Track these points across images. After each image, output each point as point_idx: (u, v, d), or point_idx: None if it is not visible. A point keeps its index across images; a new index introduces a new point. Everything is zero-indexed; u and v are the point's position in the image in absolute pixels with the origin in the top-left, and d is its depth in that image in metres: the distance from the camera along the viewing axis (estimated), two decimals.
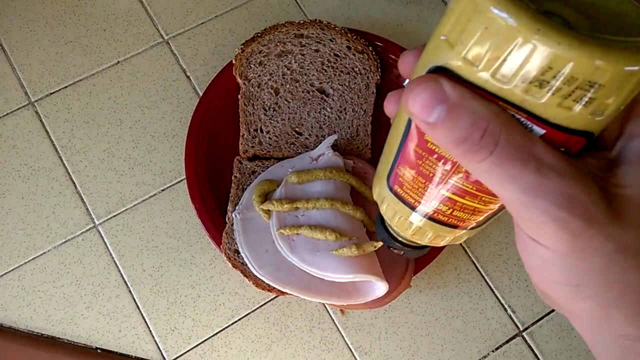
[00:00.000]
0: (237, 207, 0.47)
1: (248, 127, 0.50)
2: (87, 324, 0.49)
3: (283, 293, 0.44)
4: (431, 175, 0.22)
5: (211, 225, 0.48)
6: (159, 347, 0.48)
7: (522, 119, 0.18)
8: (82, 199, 0.52)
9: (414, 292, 0.49)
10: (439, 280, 0.49)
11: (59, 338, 0.48)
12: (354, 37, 0.52)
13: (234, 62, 0.52)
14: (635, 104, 0.19)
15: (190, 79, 0.57)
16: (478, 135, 0.17)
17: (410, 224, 0.25)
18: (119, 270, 0.50)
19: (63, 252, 0.50)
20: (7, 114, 0.55)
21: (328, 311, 0.49)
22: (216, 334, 0.48)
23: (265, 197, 0.47)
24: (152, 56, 0.57)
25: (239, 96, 0.51)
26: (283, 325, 0.48)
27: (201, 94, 0.52)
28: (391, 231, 0.29)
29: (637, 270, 0.18)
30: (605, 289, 0.19)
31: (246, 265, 0.45)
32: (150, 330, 0.48)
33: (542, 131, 0.18)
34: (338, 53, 0.52)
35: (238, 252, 0.45)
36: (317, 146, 0.49)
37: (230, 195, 0.48)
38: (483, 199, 0.22)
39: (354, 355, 0.47)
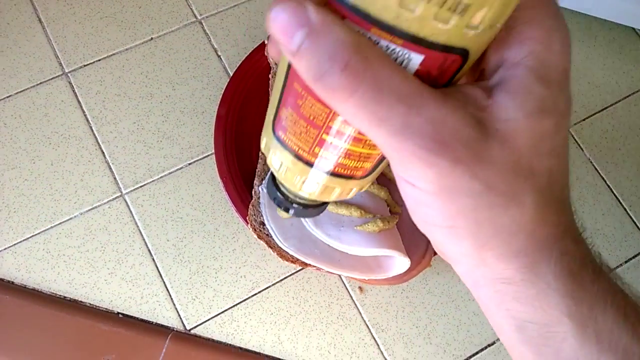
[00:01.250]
0: (263, 182, 0.48)
1: None
2: (110, 289, 0.50)
3: (306, 265, 0.45)
4: (312, 117, 0.20)
5: (237, 198, 0.49)
6: (179, 315, 0.49)
7: (398, 49, 0.16)
8: (110, 168, 0.54)
9: (431, 274, 0.50)
10: None
11: (81, 302, 0.49)
12: None
13: (266, 42, 0.53)
14: (513, 30, 0.18)
15: (221, 58, 0.58)
16: (338, 68, 0.15)
17: (297, 175, 0.23)
18: (144, 239, 0.51)
19: (89, 219, 0.52)
20: (41, 82, 0.56)
21: (347, 288, 0.50)
22: (236, 304, 0.49)
23: None
24: (185, 34, 0.59)
25: (270, 75, 0.52)
26: (302, 300, 0.49)
27: (232, 73, 0.53)
28: (281, 187, 0.26)
29: (505, 210, 0.18)
30: (477, 229, 0.18)
31: (271, 237, 0.46)
32: (171, 298, 0.50)
33: (420, 58, 0.17)
34: None
35: (263, 224, 0.46)
36: None
37: (257, 170, 0.49)
38: (367, 142, 0.20)
39: (370, 332, 0.48)
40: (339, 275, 0.50)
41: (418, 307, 0.49)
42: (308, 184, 0.23)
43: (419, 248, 0.46)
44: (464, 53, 0.17)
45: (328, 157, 0.21)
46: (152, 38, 0.59)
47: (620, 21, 0.57)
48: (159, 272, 0.50)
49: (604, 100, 0.57)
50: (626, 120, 0.56)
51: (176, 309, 0.49)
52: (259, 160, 0.50)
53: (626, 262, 0.51)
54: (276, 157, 0.23)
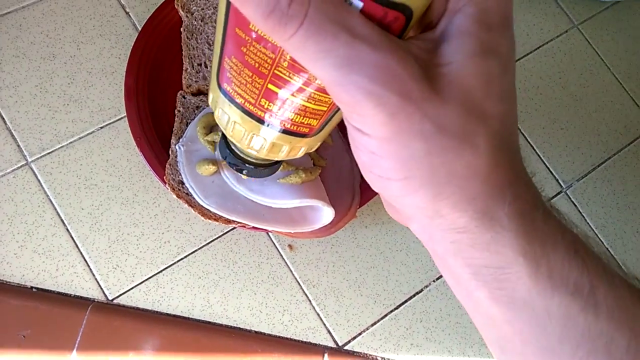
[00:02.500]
0: (180, 140, 0.46)
1: (191, 61, 0.49)
2: (21, 263, 0.46)
3: (230, 222, 0.43)
4: (257, 65, 0.19)
5: (154, 160, 0.46)
6: (100, 285, 0.47)
7: None
8: (12, 135, 0.49)
9: (359, 227, 0.50)
10: (383, 216, 0.51)
11: None
12: None
13: None
14: None
15: (129, 15, 0.54)
16: (285, 3, 0.15)
17: (243, 130, 0.22)
18: (55, 209, 0.48)
19: None
20: None
21: (276, 247, 0.49)
22: (161, 271, 0.47)
23: (210, 129, 0.46)
24: None
25: (182, 29, 0.49)
26: (231, 262, 0.48)
27: (140, 28, 0.50)
28: (232, 146, 0.26)
29: (459, 153, 0.17)
30: (430, 176, 0.18)
31: (191, 195, 0.44)
32: (90, 269, 0.47)
33: (360, 4, 0.16)
34: None
35: (182, 183, 0.44)
36: None
37: (174, 128, 0.47)
38: (313, 95, 0.20)
39: (302, 288, 0.48)
40: (268, 235, 0.49)
41: (348, 261, 0.49)
42: (256, 140, 0.22)
43: (344, 200, 0.46)
44: (405, 10, 0.17)
45: (275, 111, 0.20)
46: None
47: None
48: (74, 242, 0.47)
49: (516, 52, 0.59)
50: (537, 71, 0.59)
51: (96, 279, 0.47)
52: (175, 119, 0.47)
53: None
54: (224, 112, 0.22)
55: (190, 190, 0.44)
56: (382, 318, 0.48)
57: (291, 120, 0.21)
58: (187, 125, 0.47)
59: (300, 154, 0.23)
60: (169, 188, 0.44)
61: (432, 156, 0.17)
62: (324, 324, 0.47)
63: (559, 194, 0.54)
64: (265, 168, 0.26)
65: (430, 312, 0.48)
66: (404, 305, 0.49)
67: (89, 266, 0.47)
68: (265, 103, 0.20)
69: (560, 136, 0.56)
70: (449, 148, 0.17)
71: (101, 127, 0.50)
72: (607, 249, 0.53)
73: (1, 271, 0.46)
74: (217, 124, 0.46)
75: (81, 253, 0.47)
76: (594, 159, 0.56)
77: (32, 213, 0.48)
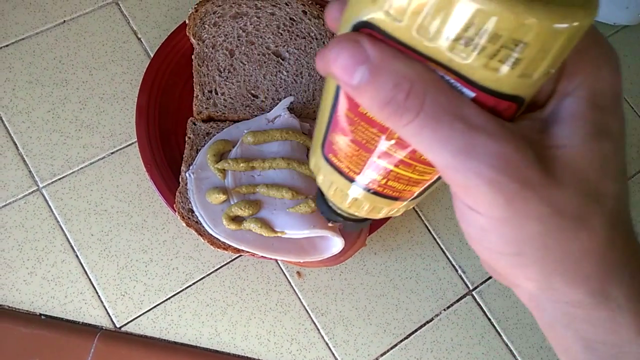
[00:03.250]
0: (190, 167, 0.46)
1: (202, 88, 0.49)
2: (30, 289, 0.46)
3: (239, 251, 0.43)
4: (364, 142, 0.20)
5: (164, 186, 0.46)
6: (108, 313, 0.46)
7: (452, 81, 0.17)
8: (24, 160, 0.50)
9: (368, 254, 0.50)
10: (393, 243, 0.50)
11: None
12: (310, 2, 0.52)
13: (187, 22, 0.50)
14: (565, 62, 0.18)
15: (141, 41, 0.55)
16: (402, 96, 0.16)
17: (347, 195, 0.23)
18: (65, 235, 0.48)
19: (4, 216, 0.48)
20: None
21: (285, 274, 0.49)
22: (169, 298, 0.47)
23: (220, 157, 0.46)
24: (101, 16, 0.55)
25: (193, 56, 0.50)
26: (239, 289, 0.48)
27: (152, 55, 0.51)
28: (330, 204, 0.27)
29: (575, 234, 0.18)
30: (544, 255, 0.18)
31: (200, 224, 0.44)
32: (98, 296, 0.47)
33: (471, 94, 0.17)
34: (294, 17, 0.52)
35: (192, 212, 0.44)
36: (272, 109, 0.48)
37: (184, 155, 0.47)
38: (417, 168, 0.20)
39: (310, 316, 0.48)
40: (276, 261, 0.49)
41: (357, 289, 0.49)
42: (357, 203, 0.23)
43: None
44: (517, 100, 0.17)
45: (379, 180, 0.21)
46: (64, 21, 0.54)
47: None
48: (83, 268, 0.47)
49: None
50: None
51: (104, 306, 0.47)
52: (186, 145, 0.48)
53: None
54: (326, 179, 0.24)
55: (200, 218, 0.44)
56: (391, 348, 0.47)
57: (394, 188, 0.22)
58: (197, 152, 0.47)
59: (398, 213, 0.25)
60: (178, 216, 0.44)
61: (547, 237, 0.18)
62: (333, 354, 0.47)
63: None
64: (360, 222, 0.28)
65: (441, 342, 0.48)
66: (414, 335, 0.48)
67: (97, 293, 0.47)
68: (371, 174, 0.22)
69: None
70: (565, 229, 0.17)
71: (112, 153, 0.51)
72: None
73: (11, 298, 0.46)
74: (226, 152, 0.46)
75: (90, 280, 0.47)
76: None
77: (42, 239, 0.48)
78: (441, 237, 0.51)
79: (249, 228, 0.43)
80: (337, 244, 0.43)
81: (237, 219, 0.43)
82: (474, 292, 0.50)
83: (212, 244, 0.44)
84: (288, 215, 0.43)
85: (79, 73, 0.53)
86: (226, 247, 0.43)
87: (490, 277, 0.50)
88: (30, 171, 0.49)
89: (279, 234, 0.42)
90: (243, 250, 0.43)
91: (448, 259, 0.50)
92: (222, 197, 0.43)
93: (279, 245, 0.43)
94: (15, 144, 0.50)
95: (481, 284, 0.50)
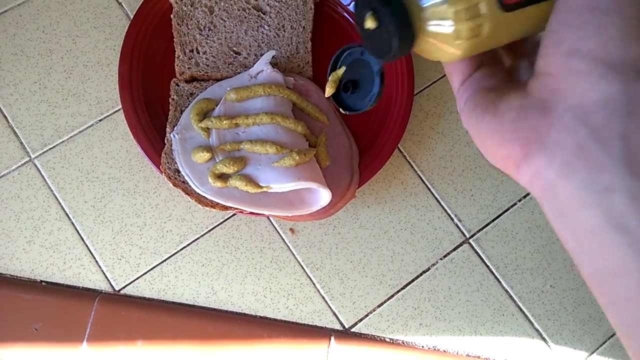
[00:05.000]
0: (175, 128, 0.45)
1: (183, 47, 0.48)
2: (30, 258, 0.47)
3: (226, 208, 0.43)
4: None
5: (151, 150, 0.46)
6: (106, 277, 0.47)
7: None
8: (15, 132, 0.50)
9: (362, 208, 0.49)
10: (386, 195, 0.50)
11: (1, 274, 0.47)
12: None
13: None
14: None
15: (122, 5, 0.54)
16: None
17: None
18: (60, 203, 0.48)
19: None
20: None
21: (278, 231, 0.48)
22: (165, 260, 0.48)
23: (204, 116, 0.45)
24: None
25: (172, 16, 0.49)
26: (233, 248, 0.48)
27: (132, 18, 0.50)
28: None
29: None
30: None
31: (187, 183, 0.44)
32: (96, 261, 0.47)
33: None
34: None
35: (178, 172, 0.44)
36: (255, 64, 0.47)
37: (169, 117, 0.47)
38: None
39: (305, 271, 0.48)
40: (269, 219, 0.49)
41: (351, 242, 0.48)
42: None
43: (342, 180, 0.45)
44: None
45: None
46: None
47: None
48: (79, 235, 0.48)
49: None
50: None
51: (102, 271, 0.47)
52: (170, 108, 0.47)
53: None
54: None
55: (186, 178, 0.43)
56: (388, 299, 0.47)
57: None
58: (181, 113, 0.47)
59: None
60: (165, 177, 0.44)
61: None
62: (330, 307, 0.47)
63: None
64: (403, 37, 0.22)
65: (439, 291, 0.47)
66: (410, 285, 0.47)
67: (94, 258, 0.47)
68: None
69: None
70: None
71: (100, 120, 0.51)
72: None
73: (12, 267, 0.47)
74: (210, 111, 0.46)
75: (87, 246, 0.48)
76: None
77: (37, 208, 0.48)
78: (435, 186, 0.50)
79: (235, 185, 0.42)
80: (324, 196, 0.42)
81: (222, 177, 0.43)
82: (470, 240, 0.49)
83: (199, 203, 0.43)
84: (273, 169, 0.42)
85: (63, 42, 0.52)
86: (214, 204, 0.43)
87: (487, 225, 0.49)
88: (21, 142, 0.50)
89: (265, 189, 0.42)
90: (231, 207, 0.43)
91: (443, 208, 0.49)
92: (207, 155, 0.43)
93: (267, 201, 0.43)
94: (5, 117, 0.50)
95: (478, 231, 0.49)
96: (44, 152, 0.50)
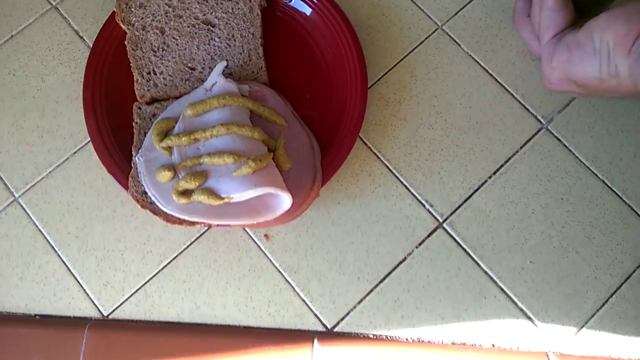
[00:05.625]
0: (139, 151, 0.47)
1: (140, 71, 0.49)
2: (23, 293, 0.49)
3: (194, 223, 0.44)
4: None
5: (122, 177, 0.47)
6: (94, 303, 0.49)
7: None
8: None
9: (332, 204, 0.49)
10: (355, 189, 0.49)
11: None
12: None
13: (115, 9, 0.50)
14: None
15: (83, 38, 0.56)
16: None
17: None
18: (45, 237, 0.50)
19: None
20: None
21: (253, 239, 0.49)
22: (148, 281, 0.49)
23: (165, 135, 0.46)
24: (44, 24, 0.56)
25: (126, 42, 0.50)
26: (211, 260, 0.49)
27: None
28: None
29: None
30: None
31: (154, 204, 0.45)
32: (83, 289, 0.49)
33: None
34: None
35: (146, 194, 0.45)
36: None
37: (134, 141, 0.48)
38: None
39: (283, 276, 0.48)
40: (243, 228, 0.49)
41: (325, 241, 0.48)
42: None
43: (305, 180, 0.45)
44: None
45: None
46: (12, 35, 0.56)
47: None
48: (66, 266, 0.50)
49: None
50: (498, 6, 0.54)
51: (90, 298, 0.49)
52: (134, 131, 0.48)
53: (521, 147, 0.50)
54: None
55: (153, 198, 0.45)
56: (368, 294, 0.47)
57: None
58: (145, 136, 0.48)
59: None
60: (133, 200, 0.45)
61: None
62: (310, 309, 0.47)
63: (539, 131, 0.50)
64: None
65: (417, 280, 0.47)
66: (388, 278, 0.47)
67: (82, 287, 0.49)
68: None
69: (533, 69, 0.52)
70: None
71: (74, 152, 0.52)
72: (603, 180, 0.48)
73: (7, 304, 0.49)
74: (171, 130, 0.47)
75: (74, 275, 0.49)
76: None
77: (26, 245, 0.50)
78: (403, 174, 0.49)
79: (198, 200, 0.43)
80: (285, 199, 0.43)
81: (186, 193, 0.44)
82: (444, 224, 0.48)
83: (167, 221, 0.44)
84: (232, 179, 0.43)
85: (33, 82, 0.55)
86: (181, 221, 0.44)
87: (459, 207, 0.48)
88: (5, 184, 0.52)
89: (227, 200, 0.43)
90: (197, 222, 0.44)
91: (413, 195, 0.49)
92: (170, 174, 0.44)
93: (231, 211, 0.43)
94: None
95: (451, 214, 0.48)
96: (26, 191, 0.52)
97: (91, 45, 0.55)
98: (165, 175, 0.44)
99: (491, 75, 0.52)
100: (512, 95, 0.51)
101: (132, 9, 0.50)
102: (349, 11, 0.53)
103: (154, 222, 0.50)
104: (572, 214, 0.48)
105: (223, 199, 0.42)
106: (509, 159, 0.49)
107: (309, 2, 0.52)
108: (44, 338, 0.48)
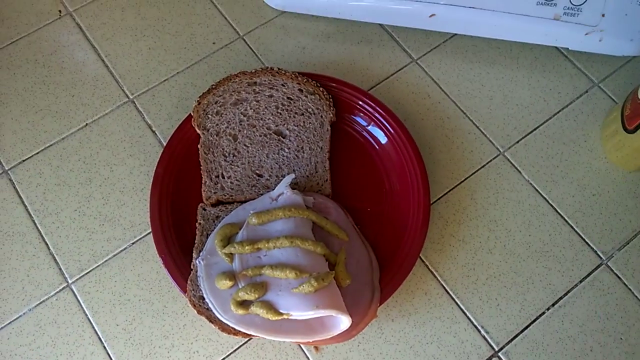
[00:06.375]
0: (201, 254, 0.48)
1: (209, 174, 0.52)
2: None
3: (249, 335, 0.44)
4: None
5: (178, 275, 0.48)
6: None
7: None
8: (55, 259, 0.53)
9: (386, 321, 0.49)
10: (410, 307, 0.49)
11: None
12: (305, 80, 0.54)
13: (192, 114, 0.54)
14: None
15: (155, 133, 0.59)
16: None
17: None
18: (93, 327, 0.50)
19: (38, 314, 0.51)
20: None
21: (303, 350, 0.49)
22: None
23: (228, 241, 0.47)
24: (119, 115, 0.60)
25: (199, 145, 0.53)
26: None
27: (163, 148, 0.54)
28: None
29: None
30: None
31: (211, 310, 0.45)
32: None
33: None
34: (291, 96, 0.54)
35: (203, 299, 0.46)
36: (277, 186, 0.50)
37: (196, 242, 0.49)
38: None
39: None
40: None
41: (376, 359, 0.48)
42: None
43: (364, 299, 0.45)
44: None
45: None
46: (87, 124, 0.59)
47: (537, 42, 0.58)
48: (111, 359, 0.49)
49: (535, 119, 0.58)
50: (560, 137, 0.56)
51: None
52: (197, 232, 0.50)
53: (580, 281, 0.50)
54: None
55: (210, 305, 0.45)
56: None
57: None
58: (207, 237, 0.49)
59: None
60: (190, 304, 0.46)
61: None
62: None
63: (599, 267, 0.50)
64: None
65: None
66: None
67: None
68: None
69: (593, 203, 0.53)
70: None
71: (133, 243, 0.54)
72: None
73: None
74: (233, 236, 0.48)
75: None
76: (634, 224, 0.52)
77: (73, 333, 0.50)
78: (459, 296, 0.49)
79: (256, 312, 0.43)
80: (344, 320, 0.43)
81: (244, 303, 0.44)
82: (500, 354, 0.47)
83: (222, 330, 0.44)
84: (292, 296, 0.43)
85: (101, 170, 0.57)
86: (236, 332, 0.44)
87: (516, 336, 0.48)
88: (60, 268, 0.53)
89: (285, 316, 0.43)
90: (253, 335, 0.44)
91: (469, 319, 0.49)
92: (229, 282, 0.45)
93: (287, 327, 0.43)
94: (47, 244, 0.54)
95: (507, 343, 0.48)
96: (80, 277, 0.52)
97: (162, 140, 0.58)
98: (225, 284, 0.45)
99: (551, 205, 0.53)
100: (572, 227, 0.52)
101: (209, 116, 0.53)
102: (412, 130, 0.55)
103: (203, 321, 0.50)
104: (631, 356, 0.47)
105: (282, 314, 0.43)
106: (568, 292, 0.49)
107: (385, 131, 0.54)
108: None
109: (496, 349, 0.48)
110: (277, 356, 0.48)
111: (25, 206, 0.56)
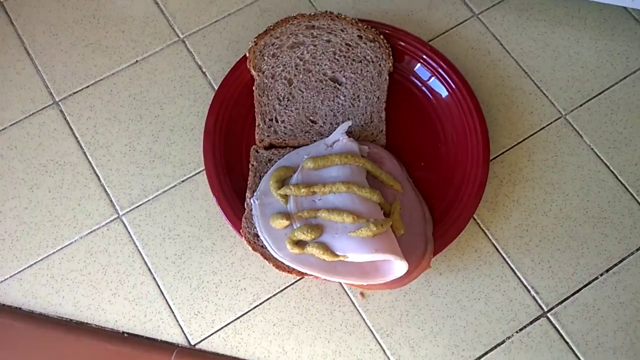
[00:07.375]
0: (255, 194, 0.48)
1: (263, 117, 0.51)
2: (114, 309, 0.50)
3: (303, 274, 0.44)
4: None
5: (230, 212, 0.49)
6: (183, 331, 0.49)
7: None
8: (106, 191, 0.54)
9: (434, 275, 0.49)
10: (459, 263, 0.49)
11: (87, 323, 0.50)
12: (365, 27, 0.53)
13: (247, 55, 0.53)
14: None
15: (206, 74, 0.58)
16: None
17: None
18: (143, 258, 0.51)
19: (89, 242, 0.52)
20: (33, 113, 0.57)
21: (348, 294, 0.49)
22: (238, 317, 0.49)
23: (282, 183, 0.47)
24: (169, 54, 0.59)
25: (254, 87, 0.52)
26: (304, 309, 0.49)
27: (217, 88, 0.53)
28: None
29: None
30: None
31: (266, 248, 0.45)
32: (174, 315, 0.50)
33: None
34: (349, 42, 0.53)
35: (257, 236, 0.46)
36: (331, 134, 0.49)
37: (248, 182, 0.49)
38: None
39: (375, 337, 0.48)
40: (340, 283, 0.49)
41: (422, 310, 0.48)
42: None
43: (417, 249, 0.45)
44: None
45: None
46: (137, 61, 0.59)
47: (609, 1, 0.56)
48: (160, 290, 0.50)
49: (600, 84, 0.56)
50: (625, 103, 0.55)
51: (179, 325, 0.49)
52: (250, 173, 0.50)
53: (637, 249, 0.49)
54: None
55: (265, 243, 0.45)
56: None
57: None
58: (260, 179, 0.49)
59: None
60: (245, 241, 0.46)
61: None
62: None
63: None
64: None
65: None
66: (484, 358, 0.46)
67: (173, 312, 0.50)
68: None
69: None
70: None
71: (182, 181, 0.54)
72: None
73: (97, 317, 0.50)
74: (287, 178, 0.48)
75: (166, 300, 0.50)
76: None
77: (123, 263, 0.51)
78: (511, 256, 0.49)
79: (311, 252, 0.43)
80: (400, 266, 0.43)
81: (300, 243, 0.44)
82: (549, 314, 0.47)
83: (277, 267, 0.45)
84: (350, 239, 0.43)
85: (151, 108, 0.57)
86: (290, 270, 0.45)
87: (567, 298, 0.48)
88: (111, 200, 0.54)
89: (342, 258, 0.43)
90: (306, 274, 0.44)
91: (519, 279, 0.49)
92: (285, 222, 0.45)
93: (342, 269, 0.44)
94: (98, 176, 0.54)
95: (557, 305, 0.48)
96: (131, 210, 0.53)
97: (212, 81, 0.57)
98: (281, 223, 0.45)
99: (612, 172, 0.52)
100: (632, 195, 0.51)
101: (265, 57, 0.52)
102: (471, 85, 0.54)
103: (251, 260, 0.51)
104: None
105: (338, 256, 0.43)
106: (624, 259, 0.49)
107: (446, 85, 0.53)
108: (129, 357, 0.48)
109: (545, 310, 0.48)
110: (322, 299, 0.49)
111: (76, 138, 0.56)
